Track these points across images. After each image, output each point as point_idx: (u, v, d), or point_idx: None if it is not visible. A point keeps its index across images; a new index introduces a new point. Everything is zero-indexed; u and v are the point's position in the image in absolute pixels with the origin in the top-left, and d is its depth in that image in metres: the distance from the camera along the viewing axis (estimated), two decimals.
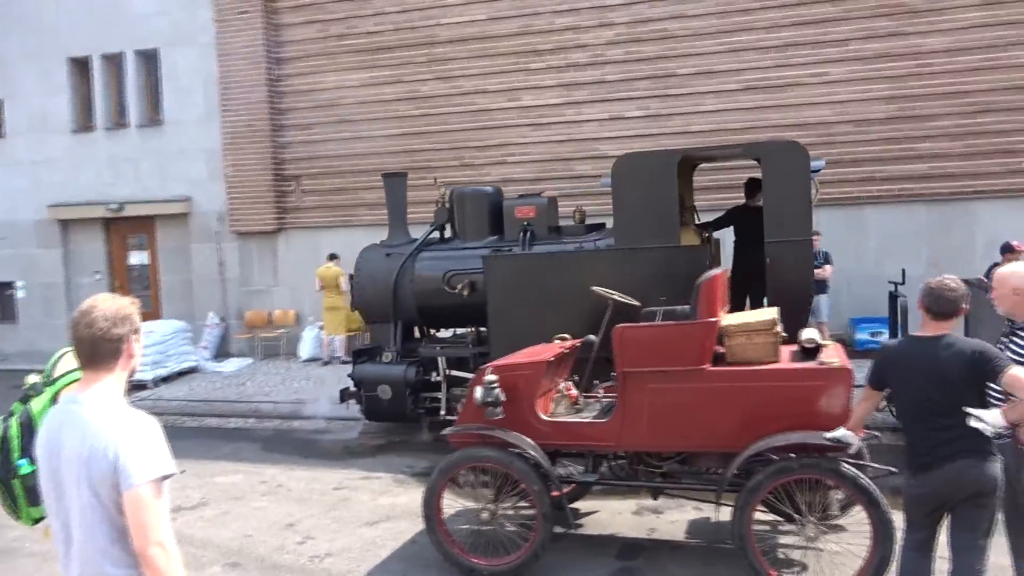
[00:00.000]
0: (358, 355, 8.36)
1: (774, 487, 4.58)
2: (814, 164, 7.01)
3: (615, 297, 5.89)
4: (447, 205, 8.49)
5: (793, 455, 4.57)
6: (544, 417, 5.12)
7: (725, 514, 4.79)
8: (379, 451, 8.24)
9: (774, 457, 4.60)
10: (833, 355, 4.78)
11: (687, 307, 5.18)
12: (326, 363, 12.58)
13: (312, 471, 7.55)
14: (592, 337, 5.90)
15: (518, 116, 12.28)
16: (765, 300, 7.10)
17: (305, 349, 13.10)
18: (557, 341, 5.92)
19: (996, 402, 3.63)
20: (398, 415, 8.14)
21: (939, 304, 3.65)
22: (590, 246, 7.62)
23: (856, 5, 10.77)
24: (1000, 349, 3.83)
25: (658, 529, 5.73)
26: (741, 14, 11.18)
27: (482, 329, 8.09)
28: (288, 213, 13.69)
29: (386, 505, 6.52)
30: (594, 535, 5.70)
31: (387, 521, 6.14)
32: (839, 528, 4.88)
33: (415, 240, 8.53)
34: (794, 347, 5.07)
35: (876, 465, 4.68)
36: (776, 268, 6.80)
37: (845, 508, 4.92)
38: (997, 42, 10.30)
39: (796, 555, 5.03)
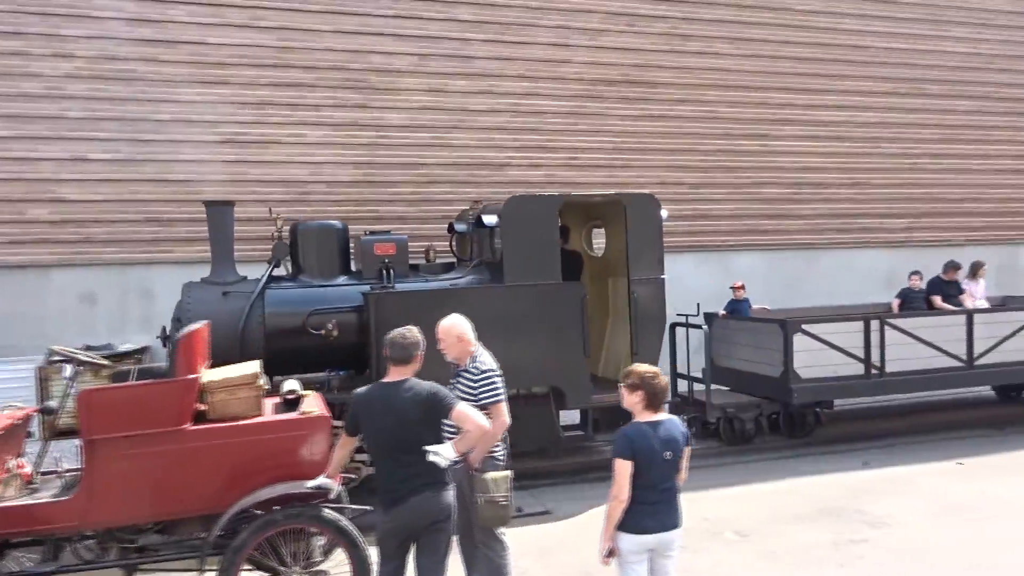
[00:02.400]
0: None
1: (259, 542, 4.56)
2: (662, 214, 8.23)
3: (79, 356, 5.29)
4: (285, 239, 7.79)
5: (277, 507, 4.62)
6: None
7: None
8: None
9: (258, 512, 4.59)
10: (313, 404, 4.99)
11: (164, 365, 4.92)
12: None
13: None
14: (51, 404, 5.20)
15: None
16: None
17: None
18: (6, 411, 5.09)
19: (450, 436, 4.17)
20: None
21: (398, 351, 4.10)
22: (473, 281, 7.85)
23: (326, 75, 11.56)
24: (450, 389, 4.44)
25: None
26: (217, 67, 11.14)
27: (337, 372, 7.63)
28: None
29: None
30: None
31: None
32: (323, 573, 5.05)
33: (245, 277, 7.65)
34: (277, 399, 5.16)
35: (354, 506, 4.96)
36: (639, 300, 7.96)
37: (328, 552, 5.11)
38: (441, 124, 12.02)
39: None
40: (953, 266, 10.99)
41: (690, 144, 13.07)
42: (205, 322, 5.73)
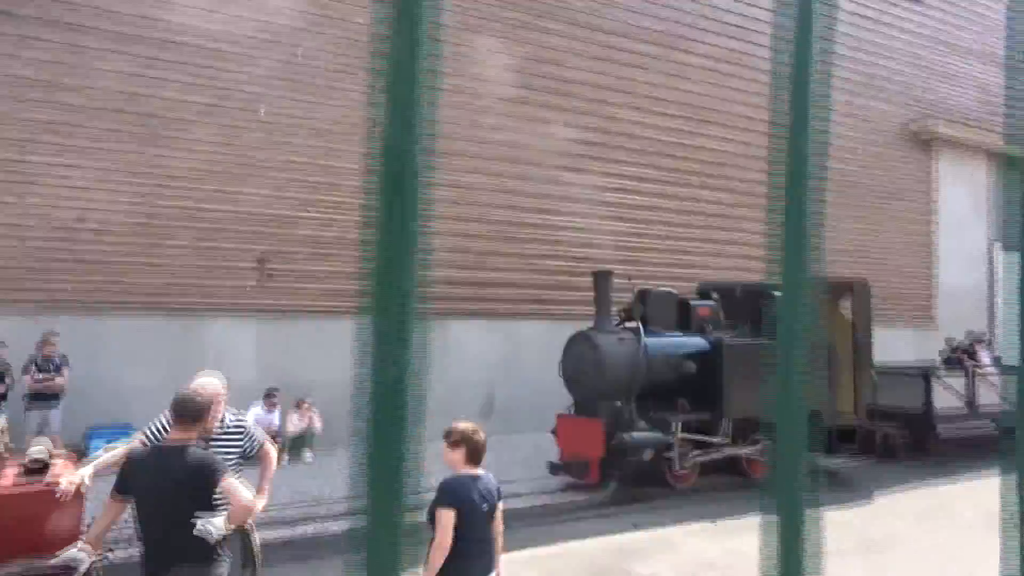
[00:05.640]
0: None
1: None
2: None
3: None
4: (638, 302, 10.53)
5: None
6: None
7: None
8: None
9: None
10: (63, 471, 4.49)
11: None
12: None
13: None
14: None
15: None
16: None
17: None
18: None
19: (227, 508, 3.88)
20: (652, 475, 10.07)
21: (186, 408, 3.75)
22: (758, 336, 10.58)
23: (102, 112, 10.76)
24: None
25: None
26: None
27: (681, 399, 10.31)
28: None
29: None
30: None
31: None
32: None
33: (615, 329, 10.22)
34: (16, 466, 4.61)
35: None
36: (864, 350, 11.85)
37: None
38: (229, 174, 11.56)
39: None
40: None
41: (480, 213, 13.43)
42: None
